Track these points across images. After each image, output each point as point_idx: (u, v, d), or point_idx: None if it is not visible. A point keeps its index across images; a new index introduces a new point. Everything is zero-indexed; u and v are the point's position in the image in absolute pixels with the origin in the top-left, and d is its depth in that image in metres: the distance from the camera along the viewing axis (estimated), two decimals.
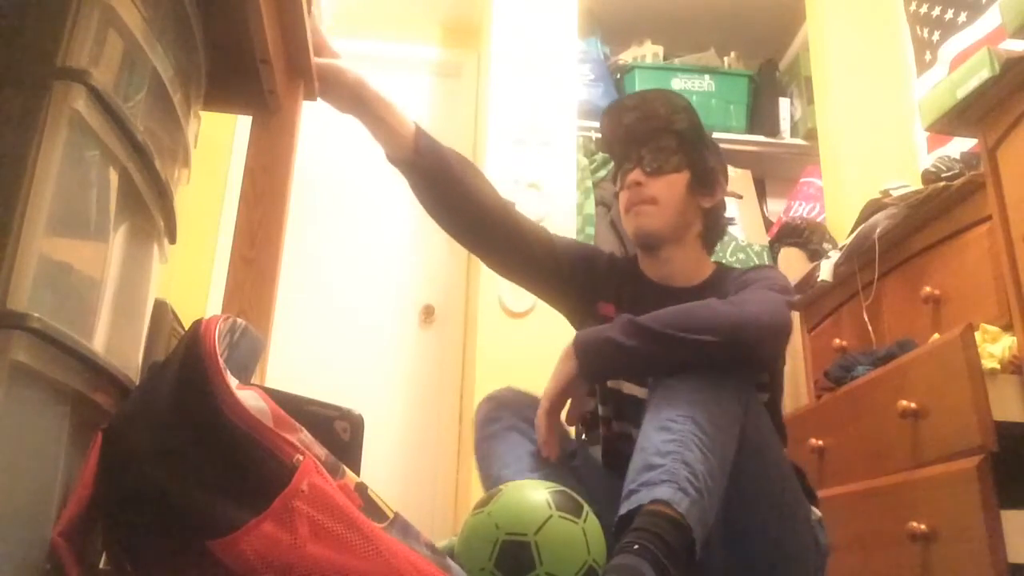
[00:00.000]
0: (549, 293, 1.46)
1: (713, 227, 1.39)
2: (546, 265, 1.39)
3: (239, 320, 0.87)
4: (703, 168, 1.36)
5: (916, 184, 1.81)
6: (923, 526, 1.30)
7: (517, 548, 0.84)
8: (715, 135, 2.90)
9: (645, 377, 1.19)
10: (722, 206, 1.41)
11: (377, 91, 1.26)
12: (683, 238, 1.35)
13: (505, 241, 1.36)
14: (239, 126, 2.87)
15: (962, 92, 1.41)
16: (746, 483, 1.05)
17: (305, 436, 0.77)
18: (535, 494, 0.88)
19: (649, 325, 1.10)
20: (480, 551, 0.86)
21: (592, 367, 1.13)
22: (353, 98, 1.25)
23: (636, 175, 1.34)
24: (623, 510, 0.95)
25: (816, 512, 1.24)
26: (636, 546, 0.86)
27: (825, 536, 1.23)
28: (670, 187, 1.33)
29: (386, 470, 2.78)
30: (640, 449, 1.01)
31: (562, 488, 0.90)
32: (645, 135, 1.37)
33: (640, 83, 2.97)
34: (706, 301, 1.14)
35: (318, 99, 1.29)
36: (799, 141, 3.00)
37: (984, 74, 1.36)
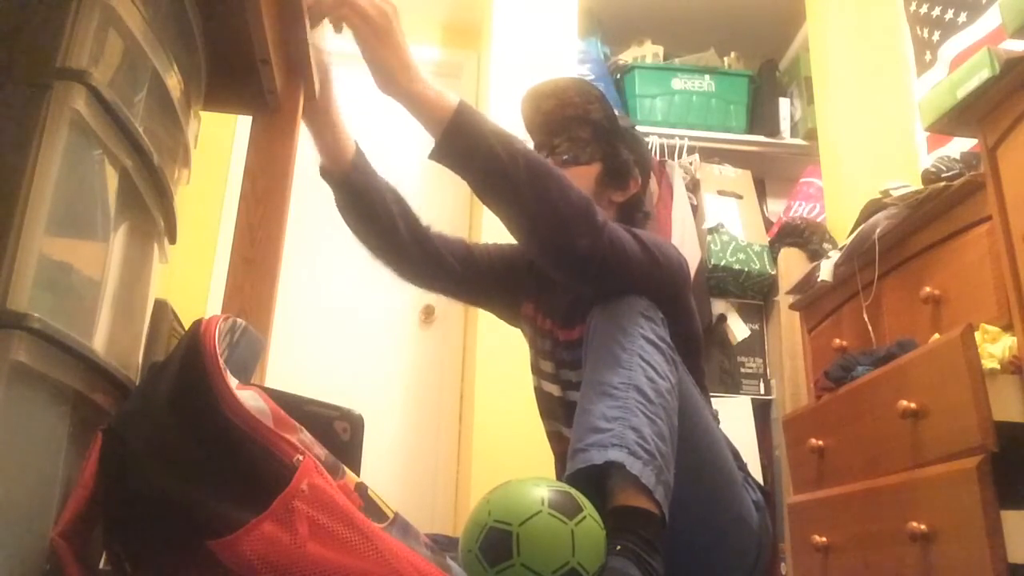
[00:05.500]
0: (477, 303, 1.52)
1: (627, 220, 1.36)
2: (468, 280, 1.42)
3: (239, 320, 0.87)
4: (616, 161, 1.36)
5: (916, 184, 1.81)
6: (923, 526, 1.30)
7: (500, 536, 0.85)
8: (715, 135, 2.94)
9: (473, 181, 1.13)
10: (637, 200, 1.40)
11: (334, 101, 1.25)
12: None
13: (424, 264, 1.38)
14: (239, 126, 2.87)
15: (962, 92, 1.41)
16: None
17: (305, 436, 0.77)
18: (534, 490, 0.89)
19: (528, 156, 1.09)
20: (471, 533, 0.88)
21: (456, 134, 1.09)
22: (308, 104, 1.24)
23: None
24: (570, 469, 0.97)
25: (753, 493, 1.24)
26: (619, 546, 0.89)
27: (766, 519, 1.24)
28: (579, 179, 1.31)
29: (386, 470, 2.78)
30: (584, 411, 1.03)
31: (567, 490, 0.90)
32: (561, 123, 1.37)
33: (640, 83, 2.97)
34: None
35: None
36: (799, 141, 3.00)
37: (984, 74, 1.36)
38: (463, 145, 1.09)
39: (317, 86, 1.24)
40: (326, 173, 1.31)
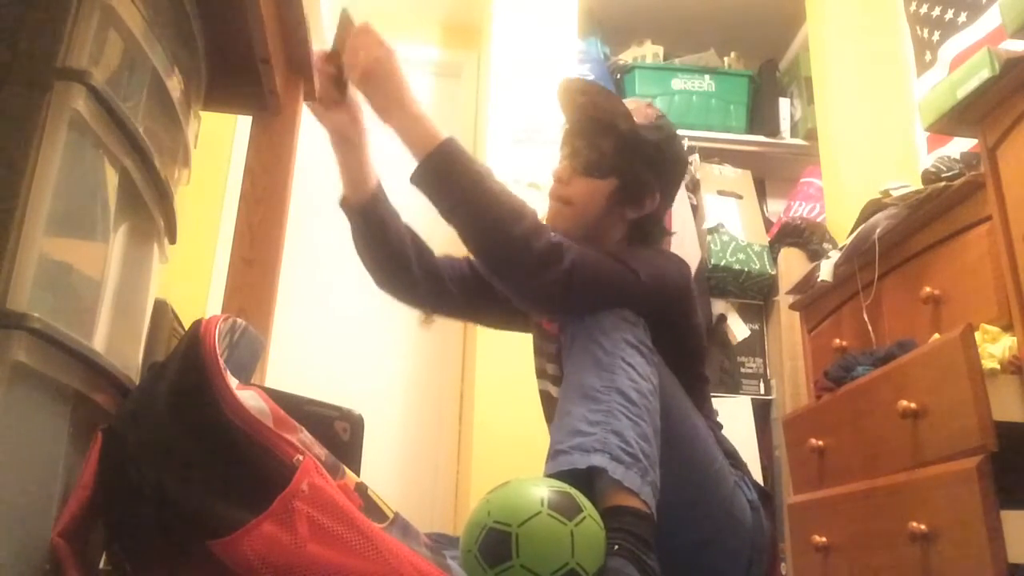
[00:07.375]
0: (496, 325, 1.51)
1: (641, 235, 1.34)
2: (485, 305, 1.42)
3: (239, 320, 0.87)
4: (633, 179, 1.30)
5: (916, 184, 1.81)
6: (923, 526, 1.30)
7: (499, 537, 0.85)
8: (715, 135, 2.94)
9: (441, 207, 1.17)
10: (654, 217, 1.35)
11: (365, 133, 1.28)
12: (600, 241, 1.30)
13: (428, 296, 1.40)
14: (239, 126, 2.87)
15: (962, 92, 1.41)
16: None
17: (305, 436, 0.77)
18: (534, 490, 0.89)
19: (493, 193, 1.13)
20: (471, 534, 0.88)
21: (435, 162, 1.14)
22: (341, 131, 1.27)
23: (561, 170, 1.33)
24: (551, 470, 0.98)
25: (748, 493, 1.23)
26: (616, 546, 0.89)
27: (762, 519, 1.23)
28: (591, 192, 1.29)
29: (386, 470, 2.78)
30: (565, 412, 1.03)
31: (567, 490, 0.90)
32: (588, 124, 1.33)
33: (640, 83, 2.96)
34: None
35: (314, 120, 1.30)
36: (799, 141, 3.00)
37: (984, 74, 1.36)
38: (437, 173, 1.15)
39: (352, 123, 1.28)
40: (347, 203, 1.33)
